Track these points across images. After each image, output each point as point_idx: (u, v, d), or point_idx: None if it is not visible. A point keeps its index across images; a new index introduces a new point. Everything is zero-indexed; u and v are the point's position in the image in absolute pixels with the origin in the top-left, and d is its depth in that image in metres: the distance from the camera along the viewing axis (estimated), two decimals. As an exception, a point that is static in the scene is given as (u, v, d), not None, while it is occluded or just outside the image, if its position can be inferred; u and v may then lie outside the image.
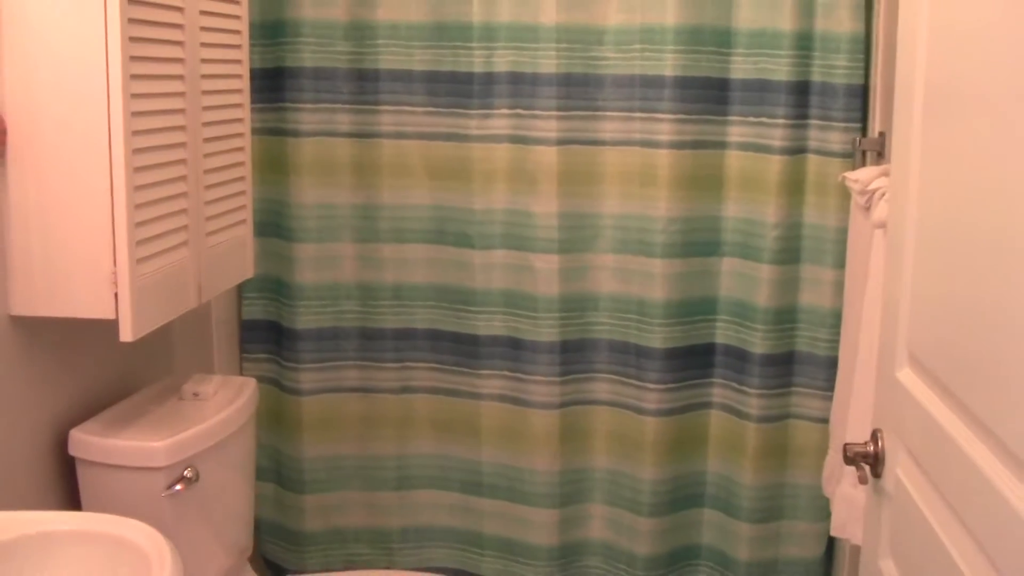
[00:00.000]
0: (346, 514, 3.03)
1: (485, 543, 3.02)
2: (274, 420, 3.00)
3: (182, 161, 2.03)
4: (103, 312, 1.85)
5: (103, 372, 2.21)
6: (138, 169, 1.86)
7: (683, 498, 2.95)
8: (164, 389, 2.31)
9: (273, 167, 2.88)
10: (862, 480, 1.66)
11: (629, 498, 2.94)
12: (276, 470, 3.03)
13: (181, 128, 2.03)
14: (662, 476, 2.90)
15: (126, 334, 1.85)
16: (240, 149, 2.34)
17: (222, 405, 2.23)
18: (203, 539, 2.15)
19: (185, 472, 2.04)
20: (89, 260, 1.84)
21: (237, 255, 2.36)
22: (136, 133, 1.84)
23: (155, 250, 1.94)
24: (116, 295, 1.84)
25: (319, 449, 2.97)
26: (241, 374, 2.98)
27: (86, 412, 2.12)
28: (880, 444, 1.65)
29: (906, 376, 1.57)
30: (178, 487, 2.03)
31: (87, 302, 1.85)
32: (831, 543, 2.95)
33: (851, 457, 1.67)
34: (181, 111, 2.03)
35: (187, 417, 2.14)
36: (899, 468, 1.58)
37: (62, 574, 1.51)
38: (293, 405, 2.95)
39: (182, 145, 2.03)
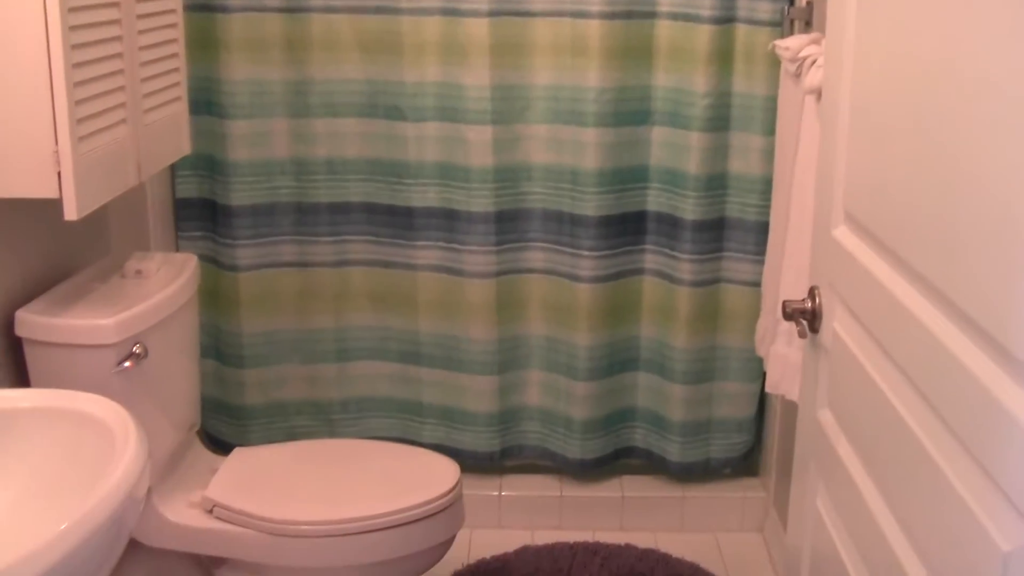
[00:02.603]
0: (286, 387, 3.07)
1: (425, 411, 3.09)
2: (212, 297, 3.01)
3: (117, 38, 2.01)
4: (46, 191, 1.85)
5: (44, 253, 2.20)
6: (75, 46, 1.83)
7: (618, 362, 3.03)
8: (105, 268, 2.31)
9: (203, 44, 2.84)
10: (801, 335, 1.74)
11: (565, 363, 3.01)
12: (216, 347, 3.05)
13: (115, 4, 2.00)
14: (597, 341, 2.97)
15: (71, 212, 1.85)
16: (173, 26, 2.31)
17: (166, 281, 2.24)
18: (152, 415, 2.18)
19: (134, 348, 2.06)
20: (30, 140, 1.82)
21: (174, 132, 2.35)
22: (72, 10, 1.81)
23: (95, 128, 1.93)
24: (59, 174, 1.83)
25: (258, 324, 3.00)
26: (177, 251, 2.98)
27: (29, 294, 2.12)
28: (817, 300, 1.72)
29: (842, 234, 1.64)
30: (127, 363, 2.05)
31: (30, 182, 1.84)
32: (761, 403, 3.06)
33: (789, 313, 1.74)
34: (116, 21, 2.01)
35: (132, 294, 2.15)
36: (836, 322, 1.65)
37: (25, 451, 1.52)
38: (230, 281, 2.96)
39: (116, 22, 2.00)
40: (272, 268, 2.98)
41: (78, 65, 1.85)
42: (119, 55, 2.02)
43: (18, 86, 1.81)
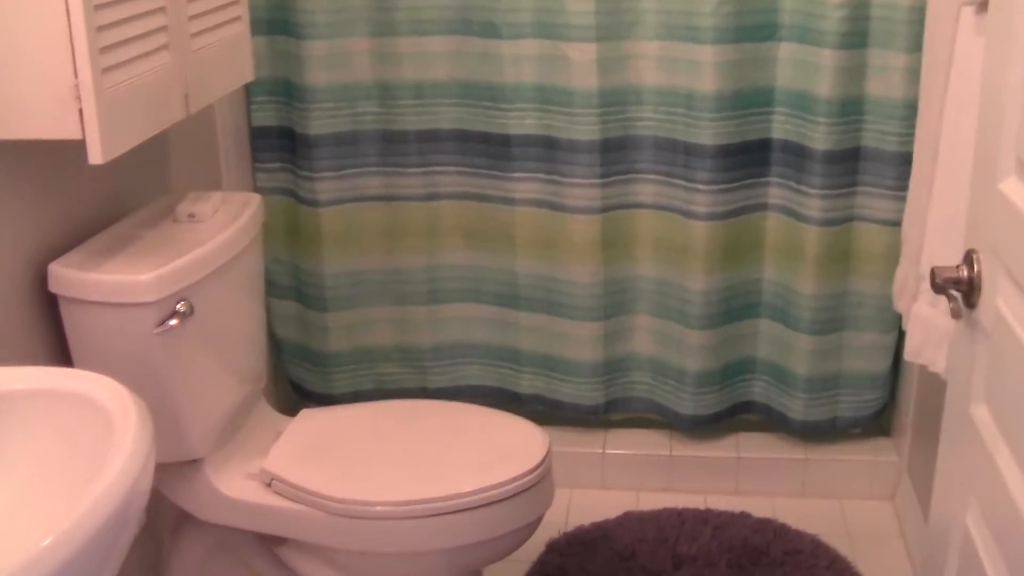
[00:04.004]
0: (373, 332, 2.84)
1: (523, 359, 2.84)
2: (291, 235, 2.78)
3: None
4: (67, 132, 1.60)
5: (88, 196, 1.97)
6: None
7: (737, 308, 2.73)
8: (158, 211, 2.08)
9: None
10: (955, 314, 1.41)
11: (678, 309, 2.72)
12: (297, 288, 2.83)
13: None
14: (713, 285, 2.67)
15: (95, 155, 1.60)
16: (228, -66, 2.05)
17: (221, 226, 2.00)
18: (204, 376, 1.95)
19: (178, 306, 1.82)
20: (46, 72, 1.57)
21: (232, 57, 2.09)
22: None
23: (126, 56, 1.67)
24: (80, 111, 1.59)
25: (341, 264, 2.76)
26: (254, 186, 2.75)
27: (69, 244, 1.89)
28: (976, 268, 1.39)
29: (1011, 187, 1.30)
30: (173, 322, 1.81)
31: (49, 122, 1.60)
32: (897, 356, 2.74)
33: (940, 284, 1.41)
34: None
35: (181, 242, 1.91)
36: (999, 297, 1.33)
37: (12, 438, 1.31)
38: (311, 218, 2.72)
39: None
40: (356, 202, 2.73)
41: (99, -14, 1.59)
42: (157, -27, 1.76)
43: (31, 10, 1.56)
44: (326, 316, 2.79)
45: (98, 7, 1.59)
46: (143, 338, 1.80)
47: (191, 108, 1.90)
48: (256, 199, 2.14)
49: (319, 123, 2.65)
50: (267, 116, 2.72)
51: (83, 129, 1.60)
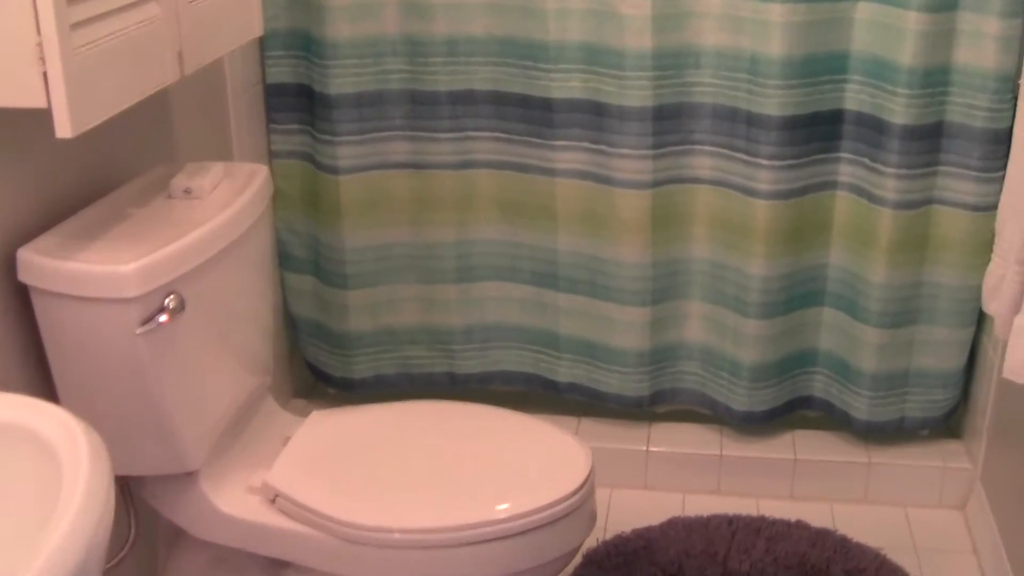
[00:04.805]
0: (398, 311, 2.60)
1: (562, 345, 2.59)
2: (310, 204, 2.54)
3: None
4: (30, 100, 1.35)
5: (71, 167, 1.73)
6: None
7: (799, 296, 2.47)
8: (151, 184, 1.83)
9: None
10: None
11: (734, 295, 2.46)
12: (315, 262, 2.58)
13: None
14: (774, 271, 2.41)
15: (63, 128, 1.35)
16: None
17: (221, 204, 1.75)
18: (198, 378, 1.71)
19: (166, 301, 1.58)
20: (4, 29, 1.32)
21: (237, 6, 1.83)
22: None
23: (103, 8, 1.42)
24: (45, 75, 1.34)
25: (364, 237, 2.52)
26: (268, 149, 2.50)
27: (48, 223, 1.65)
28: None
29: None
30: (162, 318, 1.57)
31: (8, 87, 1.35)
32: (973, 351, 2.47)
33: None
34: None
35: (173, 223, 1.66)
36: None
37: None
38: (331, 185, 2.47)
39: None
40: (381, 170, 2.48)
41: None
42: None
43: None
44: (347, 294, 2.55)
45: (66, -50, 1.33)
46: (125, 338, 1.56)
47: (186, 69, 1.65)
48: (263, 171, 1.89)
49: (341, 81, 2.40)
50: (283, 72, 2.46)
51: (48, 97, 1.35)
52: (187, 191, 1.77)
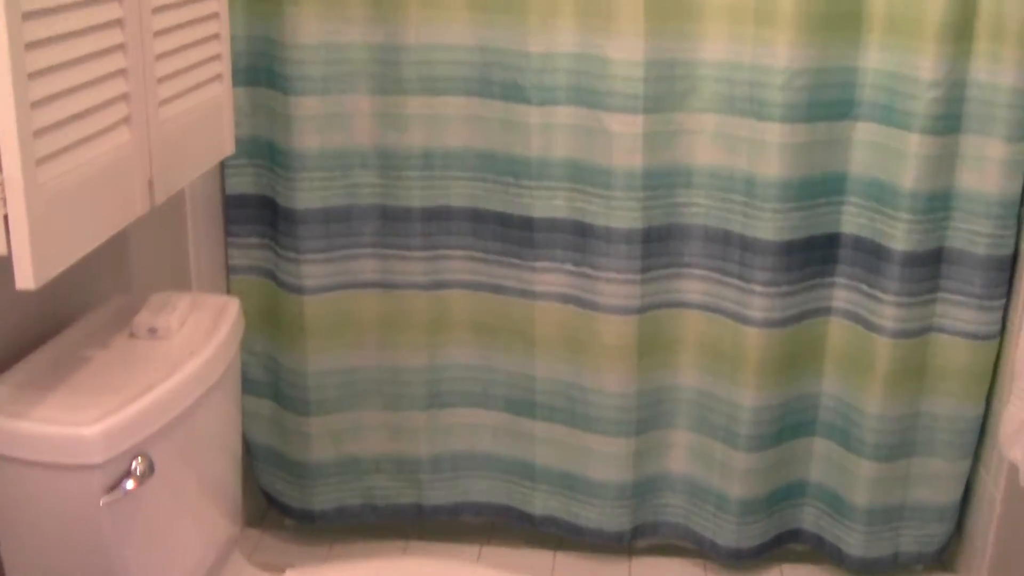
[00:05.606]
0: (362, 439, 2.42)
1: (537, 475, 2.43)
2: (270, 323, 2.36)
3: (116, -1, 1.33)
4: (-10, 245, 1.18)
5: (23, 300, 1.54)
6: (32, 15, 1.15)
7: (790, 426, 2.34)
8: (111, 318, 1.64)
9: (260, -8, 2.18)
10: None
11: (723, 426, 2.33)
12: (274, 384, 2.40)
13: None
14: (766, 401, 2.29)
15: (25, 278, 1.18)
16: (212, -25, 1.63)
17: (190, 345, 1.57)
18: (165, 544, 1.52)
19: (134, 465, 1.39)
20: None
21: (209, 127, 1.67)
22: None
23: (72, 138, 1.25)
24: (6, 218, 1.16)
25: (328, 360, 2.34)
26: (226, 264, 2.32)
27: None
28: None
29: None
30: (129, 484, 1.38)
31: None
32: (969, 483, 2.36)
33: None
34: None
35: (139, 370, 1.48)
36: None
37: None
38: (294, 305, 2.30)
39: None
40: (347, 289, 2.32)
41: (36, 45, 1.17)
42: (118, 22, 1.34)
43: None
44: (308, 420, 2.37)
45: (34, 75, 1.16)
46: (87, 508, 1.37)
47: (156, 198, 1.48)
48: (234, 305, 1.72)
49: (307, 195, 2.24)
50: (244, 182, 2.30)
51: (8, 242, 1.17)
52: (152, 330, 1.59)
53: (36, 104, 1.17)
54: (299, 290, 2.29)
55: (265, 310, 2.36)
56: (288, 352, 2.34)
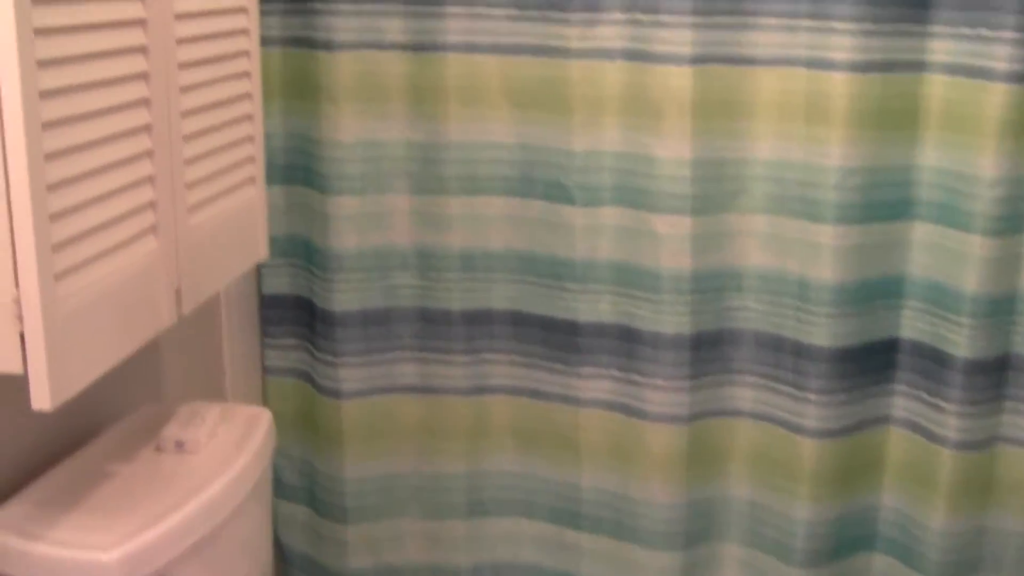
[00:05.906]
0: (401, 548, 2.36)
1: (582, 588, 2.34)
2: (307, 427, 2.32)
3: (142, 102, 1.28)
4: (3, 363, 1.12)
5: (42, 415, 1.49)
6: (51, 125, 1.10)
7: (848, 542, 2.24)
8: (138, 430, 1.59)
9: (300, 91, 2.16)
10: None
11: (776, 539, 2.23)
12: (310, 491, 2.35)
13: (140, 50, 1.27)
14: (821, 515, 2.18)
15: (41, 399, 1.12)
16: (245, 75, 1.59)
17: (219, 462, 1.50)
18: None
19: (154, 588, 1.32)
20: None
21: (241, 232, 1.63)
22: (43, 64, 1.08)
23: (92, 251, 1.20)
24: (22, 335, 1.11)
25: (366, 466, 2.29)
26: (263, 364, 2.28)
27: (13, 484, 1.40)
28: None
29: None
30: (145, 610, 1.31)
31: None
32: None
33: None
34: (141, 22, 1.28)
35: (164, 488, 1.42)
36: None
37: None
38: (331, 409, 2.25)
39: (142, 77, 1.28)
40: (386, 394, 2.27)
41: (55, 156, 1.12)
42: (146, 128, 1.30)
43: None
44: (345, 528, 2.31)
45: (53, 186, 1.11)
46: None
47: (183, 308, 1.43)
48: (266, 417, 1.66)
49: (345, 296, 2.20)
50: (281, 283, 2.28)
51: (25, 362, 1.11)
52: (179, 444, 1.52)
53: (55, 216, 1.13)
54: (336, 394, 2.24)
55: (301, 413, 2.31)
56: (324, 457, 2.29)
